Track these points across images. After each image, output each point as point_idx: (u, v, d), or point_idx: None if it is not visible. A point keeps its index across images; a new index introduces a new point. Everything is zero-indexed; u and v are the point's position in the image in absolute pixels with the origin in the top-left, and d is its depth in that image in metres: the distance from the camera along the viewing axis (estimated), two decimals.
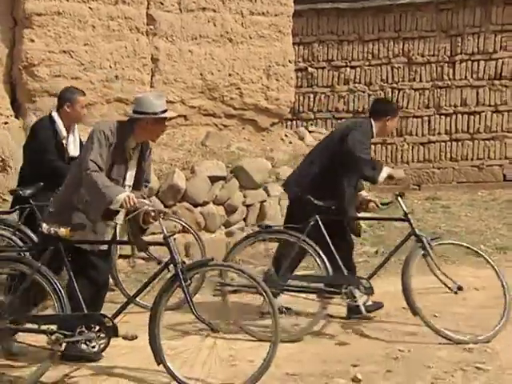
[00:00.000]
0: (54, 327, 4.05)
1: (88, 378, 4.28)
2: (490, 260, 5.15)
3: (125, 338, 4.15)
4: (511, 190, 10.62)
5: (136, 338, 4.18)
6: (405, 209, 5.27)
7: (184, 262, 4.10)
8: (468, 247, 5.41)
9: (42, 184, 5.41)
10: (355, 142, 5.31)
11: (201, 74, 8.59)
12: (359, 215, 5.85)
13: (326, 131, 10.76)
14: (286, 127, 11.09)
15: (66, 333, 4.03)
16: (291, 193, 5.58)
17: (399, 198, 5.27)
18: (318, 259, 5.04)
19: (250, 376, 4.05)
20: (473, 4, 10.93)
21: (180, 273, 4.02)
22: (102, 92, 8.09)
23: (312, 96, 11.60)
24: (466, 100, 11.06)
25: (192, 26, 8.41)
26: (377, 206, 5.56)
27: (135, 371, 4.34)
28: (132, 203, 4.14)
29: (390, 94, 11.27)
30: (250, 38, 8.67)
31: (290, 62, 9.22)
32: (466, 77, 11.06)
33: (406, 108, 11.24)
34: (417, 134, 11.26)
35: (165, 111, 4.38)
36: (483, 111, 11.00)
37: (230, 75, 8.72)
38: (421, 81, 11.22)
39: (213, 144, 8.55)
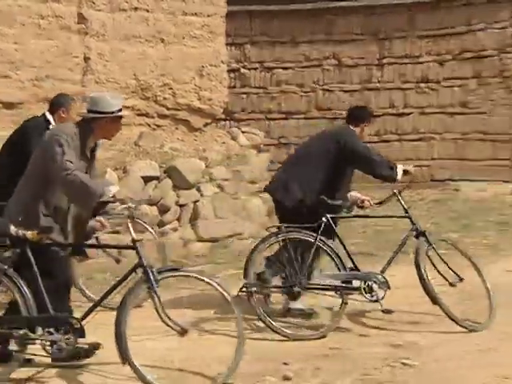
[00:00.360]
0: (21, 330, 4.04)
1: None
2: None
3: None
4: (438, 190, 10.89)
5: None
6: (405, 206, 5.39)
7: (152, 266, 4.06)
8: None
9: None
10: (362, 147, 5.67)
11: (134, 74, 8.52)
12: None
13: (259, 132, 10.83)
14: (219, 127, 11.10)
15: (33, 335, 4.04)
16: (293, 198, 5.58)
17: (399, 196, 5.41)
18: (335, 258, 5.21)
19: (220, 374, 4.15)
20: (399, 10, 11.18)
21: (152, 277, 4.00)
22: (32, 91, 7.93)
23: (245, 97, 11.64)
24: (394, 102, 11.29)
25: (124, 25, 8.33)
26: (371, 204, 5.67)
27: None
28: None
29: (321, 96, 11.41)
30: (183, 38, 8.64)
31: (222, 62, 9.23)
32: (393, 79, 11.28)
33: (337, 109, 11.40)
34: None
35: (120, 110, 4.42)
36: (411, 113, 11.24)
37: (162, 75, 8.67)
38: (350, 83, 11.39)
39: (146, 144, 8.49)
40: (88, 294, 5.54)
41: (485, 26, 10.94)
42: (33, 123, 5.94)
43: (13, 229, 4.15)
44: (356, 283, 5.15)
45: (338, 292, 5.19)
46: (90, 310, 4.18)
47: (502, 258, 7.36)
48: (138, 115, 8.68)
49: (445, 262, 5.16)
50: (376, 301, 5.16)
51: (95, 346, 4.12)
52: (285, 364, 4.57)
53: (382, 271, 5.26)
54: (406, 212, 5.38)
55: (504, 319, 5.29)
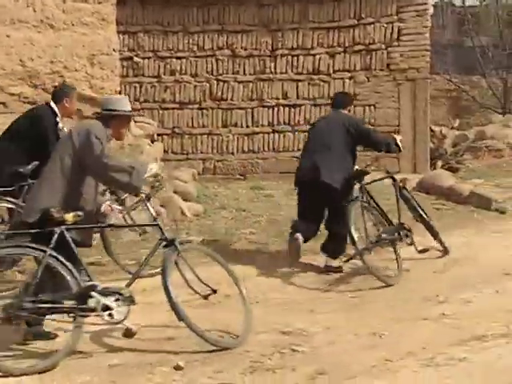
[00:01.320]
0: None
1: None
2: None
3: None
4: None
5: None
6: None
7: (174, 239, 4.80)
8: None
9: (37, 163, 5.85)
10: (366, 127, 7.43)
11: (20, 60, 8.18)
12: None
13: (153, 121, 10.68)
14: None
15: (91, 306, 4.48)
16: (338, 180, 6.47)
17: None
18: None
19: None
20: (292, 1, 11.28)
21: (178, 248, 4.74)
22: None
23: (138, 86, 11.46)
24: (287, 93, 11.39)
25: (10, 9, 7.98)
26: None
27: None
28: None
29: (216, 86, 11.37)
30: (73, 25, 8.38)
31: (114, 50, 9.02)
32: (286, 71, 11.38)
33: (231, 100, 11.40)
34: (241, 126, 11.45)
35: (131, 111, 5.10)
36: (303, 104, 11.37)
37: (52, 62, 8.37)
38: (244, 74, 11.41)
39: None
40: (123, 264, 6.15)
41: (373, 20, 11.19)
42: (43, 112, 6.38)
43: (53, 211, 4.55)
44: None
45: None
46: (133, 280, 4.78)
47: None
48: (26, 103, 8.35)
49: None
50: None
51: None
52: (176, 354, 4.54)
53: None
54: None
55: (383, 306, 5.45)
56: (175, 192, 8.64)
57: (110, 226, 5.39)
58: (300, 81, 11.31)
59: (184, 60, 11.42)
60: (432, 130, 12.61)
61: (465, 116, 17.62)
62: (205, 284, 4.83)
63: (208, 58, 11.43)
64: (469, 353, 4.43)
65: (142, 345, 4.66)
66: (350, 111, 7.12)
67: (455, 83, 18.42)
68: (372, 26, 11.20)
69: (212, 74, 11.42)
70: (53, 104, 6.45)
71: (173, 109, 11.43)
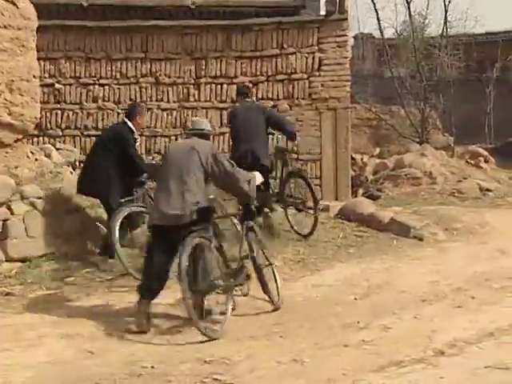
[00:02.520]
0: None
1: None
2: None
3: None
4: None
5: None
6: None
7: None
8: None
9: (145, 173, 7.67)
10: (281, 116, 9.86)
11: None
12: None
13: (74, 149, 10.52)
14: (33, 144, 10.65)
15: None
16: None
17: None
18: None
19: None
20: (215, 30, 11.36)
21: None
22: None
23: (60, 112, 11.29)
24: (211, 121, 11.39)
25: None
26: None
27: None
28: None
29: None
30: None
31: (34, 77, 8.86)
32: (210, 99, 11.41)
33: (155, 127, 11.35)
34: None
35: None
36: (226, 132, 11.38)
37: None
38: (168, 101, 11.39)
39: None
40: None
41: (295, 50, 11.37)
42: (124, 131, 7.73)
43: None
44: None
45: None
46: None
47: (312, 273, 7.64)
48: None
49: None
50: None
51: None
52: None
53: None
54: None
55: (305, 333, 5.47)
56: None
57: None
58: (224, 109, 11.35)
59: (107, 87, 11.32)
60: (353, 158, 12.87)
61: (385, 144, 18.04)
62: None
63: (131, 85, 11.36)
64: (387, 379, 4.49)
65: (62, 374, 4.54)
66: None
67: (375, 112, 18.86)
68: (294, 55, 11.38)
69: (135, 102, 11.34)
70: (128, 122, 7.80)
71: (95, 136, 11.27)
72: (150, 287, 5.75)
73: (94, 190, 7.76)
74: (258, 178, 6.31)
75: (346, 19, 11.49)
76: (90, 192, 7.90)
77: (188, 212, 5.75)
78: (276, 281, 6.41)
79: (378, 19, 18.54)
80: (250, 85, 11.01)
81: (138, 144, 8.13)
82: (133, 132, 7.85)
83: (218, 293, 5.82)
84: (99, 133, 11.17)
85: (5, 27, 8.30)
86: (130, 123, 7.85)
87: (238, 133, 8.78)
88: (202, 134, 6.37)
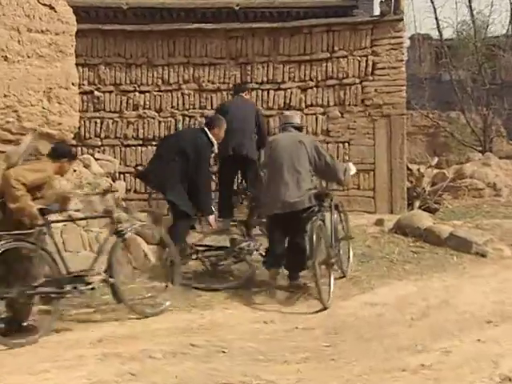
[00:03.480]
0: None
1: None
2: None
3: None
4: None
5: None
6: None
7: None
8: None
9: None
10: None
11: None
12: None
13: (114, 159, 10.66)
14: None
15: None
16: None
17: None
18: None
19: None
20: (261, 33, 11.41)
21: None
22: None
23: (99, 121, 11.47)
24: None
25: None
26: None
27: None
28: None
29: (181, 121, 11.41)
30: (28, 56, 8.38)
31: (73, 84, 9.02)
32: (256, 105, 11.44)
33: None
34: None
35: None
36: None
37: (5, 96, 8.34)
38: (212, 108, 11.47)
39: None
40: None
41: (347, 53, 11.35)
42: (205, 143, 8.01)
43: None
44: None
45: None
46: None
47: (365, 291, 7.59)
48: None
49: None
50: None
51: None
52: None
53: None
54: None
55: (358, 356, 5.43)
56: (137, 234, 8.60)
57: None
58: (270, 116, 11.40)
59: (148, 94, 11.48)
60: (409, 169, 12.76)
61: (443, 153, 17.86)
62: None
63: (173, 92, 11.49)
64: None
65: None
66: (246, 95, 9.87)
67: (433, 119, 18.70)
68: (345, 59, 11.36)
69: (177, 109, 11.48)
70: (208, 132, 8.08)
71: (136, 145, 11.45)
72: (277, 261, 7.54)
73: (159, 186, 8.29)
74: (352, 169, 7.73)
75: (402, 19, 11.44)
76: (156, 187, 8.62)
77: (306, 198, 7.32)
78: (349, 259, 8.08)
79: (437, 18, 18.45)
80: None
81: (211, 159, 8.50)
82: (212, 144, 8.09)
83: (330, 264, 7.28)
84: (139, 142, 11.37)
85: (42, 32, 8.47)
86: (208, 132, 8.11)
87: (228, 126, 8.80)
88: (298, 127, 7.84)
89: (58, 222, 6.89)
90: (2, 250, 5.90)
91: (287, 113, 8.54)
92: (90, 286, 6.45)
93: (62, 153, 6.74)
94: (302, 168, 7.42)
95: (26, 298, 6.06)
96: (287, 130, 7.78)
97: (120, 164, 10.81)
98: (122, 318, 6.62)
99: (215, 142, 8.12)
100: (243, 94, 9.72)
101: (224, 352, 5.60)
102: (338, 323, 6.37)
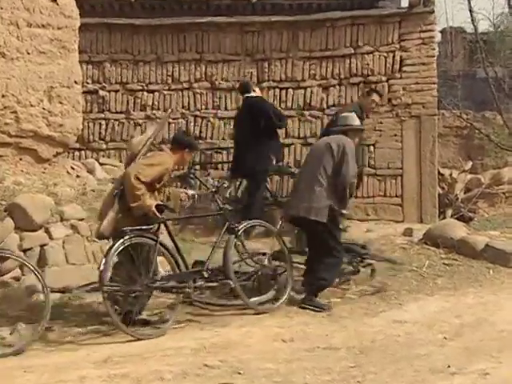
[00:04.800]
0: None
1: None
2: None
3: None
4: None
5: None
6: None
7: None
8: None
9: None
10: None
11: None
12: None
13: (120, 163, 10.71)
14: (73, 158, 10.90)
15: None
16: None
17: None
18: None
19: None
20: (279, 27, 11.42)
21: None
22: None
23: (104, 123, 11.52)
24: None
25: None
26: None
27: None
28: None
29: (193, 123, 11.45)
30: (28, 53, 8.44)
31: (76, 82, 9.10)
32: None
33: (211, 139, 11.46)
34: (222, 168, 11.48)
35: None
36: (292, 144, 11.44)
37: (3, 96, 8.42)
38: (226, 109, 11.50)
39: None
40: None
41: (372, 48, 11.34)
42: None
43: None
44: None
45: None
46: None
47: (393, 307, 7.57)
48: None
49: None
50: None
51: None
52: None
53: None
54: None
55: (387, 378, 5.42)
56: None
57: None
58: (289, 117, 11.39)
59: (156, 93, 11.52)
60: (440, 174, 12.71)
61: (478, 157, 17.78)
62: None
63: (184, 92, 11.53)
64: None
65: None
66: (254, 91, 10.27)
67: (466, 120, 18.62)
68: (371, 55, 11.35)
69: (189, 110, 11.52)
70: None
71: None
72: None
73: None
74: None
75: (433, 11, 11.42)
76: None
77: (320, 211, 7.58)
78: None
79: (471, 10, 18.36)
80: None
81: None
82: None
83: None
84: None
85: (43, 26, 8.55)
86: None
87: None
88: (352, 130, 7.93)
89: (174, 219, 7.61)
90: (127, 244, 6.60)
91: (344, 114, 8.34)
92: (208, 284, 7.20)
93: (182, 143, 7.24)
94: (320, 173, 7.55)
95: (148, 292, 6.81)
96: (334, 133, 7.93)
97: None
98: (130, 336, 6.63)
99: None
100: (252, 94, 10.13)
101: (240, 373, 5.58)
102: (364, 342, 6.34)
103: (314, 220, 7.48)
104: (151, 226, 6.88)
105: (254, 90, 10.22)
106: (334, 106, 11.31)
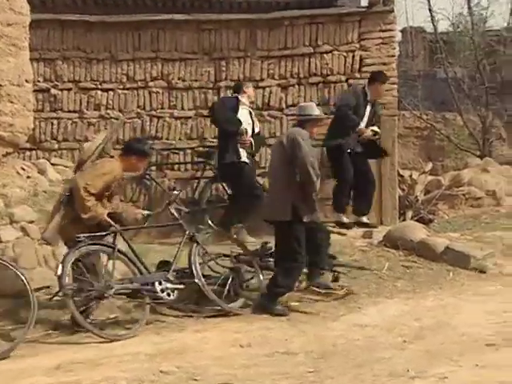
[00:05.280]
0: None
1: None
2: None
3: None
4: None
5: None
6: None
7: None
8: None
9: None
10: None
11: None
12: None
13: (72, 164, 10.62)
14: (24, 159, 10.79)
15: None
16: None
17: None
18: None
19: None
20: (237, 25, 11.42)
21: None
22: None
23: (56, 122, 11.41)
24: None
25: None
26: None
27: None
28: None
29: (149, 123, 11.40)
30: None
31: (27, 81, 9.01)
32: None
33: (167, 139, 11.42)
34: (179, 169, 11.44)
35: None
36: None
37: None
38: (183, 108, 11.47)
39: None
40: None
41: (332, 48, 11.38)
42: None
43: None
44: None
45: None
46: None
47: (353, 310, 7.61)
48: None
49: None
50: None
51: None
52: None
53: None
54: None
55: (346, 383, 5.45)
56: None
57: None
58: None
59: (111, 92, 11.43)
60: (400, 175, 12.83)
61: (438, 158, 17.99)
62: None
63: (139, 90, 11.46)
64: None
65: None
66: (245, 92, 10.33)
67: (427, 120, 18.82)
68: (330, 54, 11.39)
69: (144, 109, 11.45)
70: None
71: None
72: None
73: None
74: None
75: (392, 11, 11.51)
76: None
77: (281, 210, 7.69)
78: None
79: (430, 10, 18.60)
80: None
81: None
82: None
83: None
84: None
85: None
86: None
87: None
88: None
89: (127, 229, 7.55)
90: (84, 252, 6.83)
91: (302, 104, 8.67)
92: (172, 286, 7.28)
93: (131, 150, 7.41)
94: (278, 172, 7.78)
95: (108, 294, 6.94)
96: (296, 125, 8.16)
97: None
98: (83, 340, 6.59)
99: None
100: (239, 95, 10.27)
101: (196, 380, 5.58)
102: (324, 347, 6.37)
103: (278, 221, 7.63)
104: (107, 233, 7.05)
105: (244, 92, 10.28)
106: (292, 105, 11.31)
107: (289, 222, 7.50)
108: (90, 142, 7.59)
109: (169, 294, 7.24)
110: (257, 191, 9.73)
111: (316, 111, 8.04)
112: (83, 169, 7.27)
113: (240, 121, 10.00)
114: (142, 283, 7.12)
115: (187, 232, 7.66)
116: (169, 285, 7.24)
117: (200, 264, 7.62)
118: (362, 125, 10.53)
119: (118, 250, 7.06)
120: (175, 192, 7.89)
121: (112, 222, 7.03)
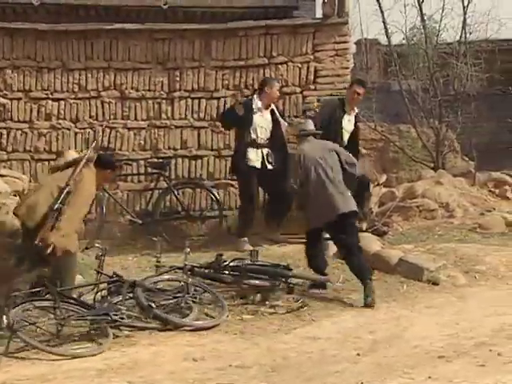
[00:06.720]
0: None
1: None
2: None
3: None
4: None
5: None
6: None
7: None
8: None
9: None
10: None
11: None
12: None
13: (23, 176, 10.51)
14: None
15: None
16: None
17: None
18: None
19: None
20: (191, 35, 11.42)
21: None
22: None
23: (5, 132, 11.30)
24: (187, 142, 11.45)
25: None
26: None
27: None
28: None
29: (101, 133, 11.32)
30: None
31: None
32: (186, 116, 11.46)
33: (120, 150, 11.37)
34: (132, 181, 11.39)
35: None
36: (205, 156, 11.45)
37: None
38: (136, 119, 11.43)
39: None
40: None
41: (286, 59, 11.44)
42: None
43: None
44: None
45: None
46: None
47: (306, 323, 7.63)
48: None
49: None
50: None
51: None
52: None
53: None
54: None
55: None
56: None
57: None
58: (202, 128, 11.42)
59: (62, 102, 11.35)
60: None
61: (392, 170, 18.10)
62: None
63: (91, 100, 11.40)
64: None
65: None
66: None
67: (381, 132, 18.96)
68: (285, 65, 11.46)
69: (96, 120, 11.39)
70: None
71: (48, 160, 11.29)
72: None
73: None
74: None
75: (347, 22, 11.61)
76: None
77: (352, 202, 8.70)
78: None
79: (384, 22, 18.72)
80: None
81: None
82: None
83: None
84: (52, 157, 11.22)
85: None
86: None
87: None
88: (315, 135, 8.97)
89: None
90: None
91: (302, 120, 9.72)
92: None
93: (107, 164, 7.91)
94: (338, 176, 8.70)
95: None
96: (307, 139, 8.91)
97: (30, 181, 10.64)
98: (29, 356, 6.50)
99: None
100: (256, 96, 10.76)
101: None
102: (277, 360, 6.38)
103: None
104: (40, 289, 6.99)
105: (265, 92, 10.71)
106: None
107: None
108: (72, 156, 7.80)
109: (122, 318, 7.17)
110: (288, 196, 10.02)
111: (311, 127, 9.04)
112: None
113: (237, 120, 10.41)
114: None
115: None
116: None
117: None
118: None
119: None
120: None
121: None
